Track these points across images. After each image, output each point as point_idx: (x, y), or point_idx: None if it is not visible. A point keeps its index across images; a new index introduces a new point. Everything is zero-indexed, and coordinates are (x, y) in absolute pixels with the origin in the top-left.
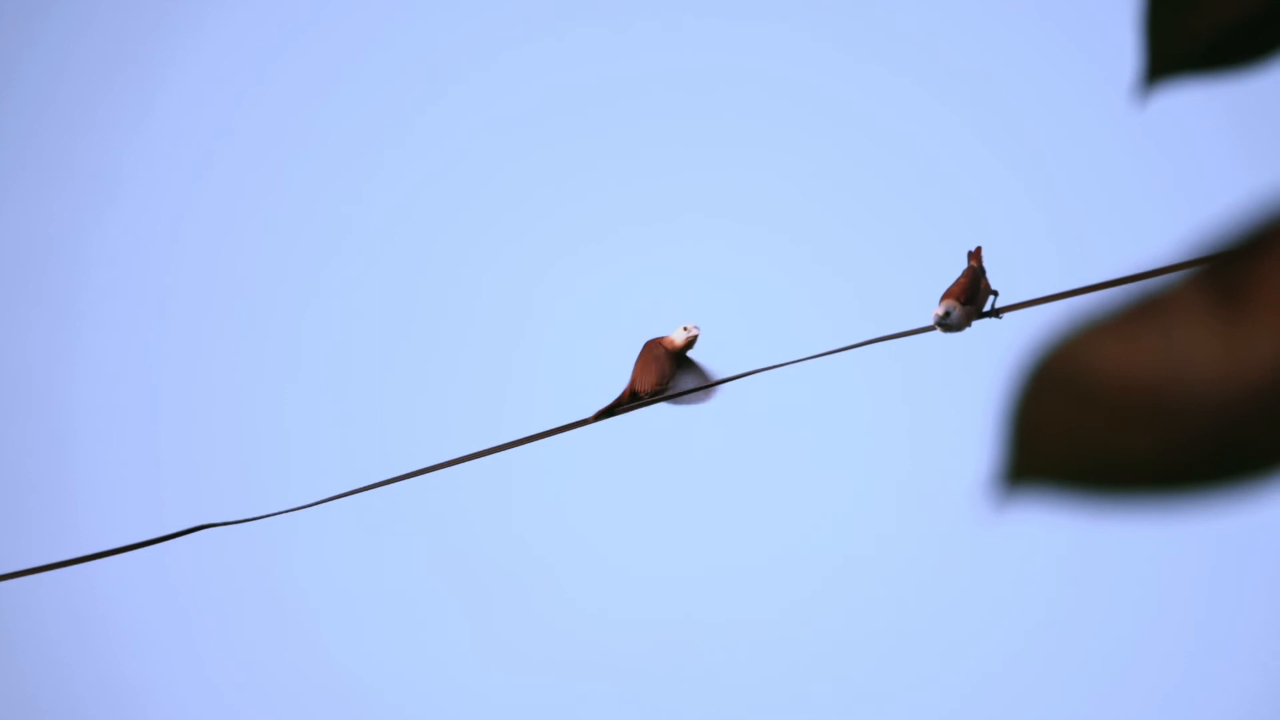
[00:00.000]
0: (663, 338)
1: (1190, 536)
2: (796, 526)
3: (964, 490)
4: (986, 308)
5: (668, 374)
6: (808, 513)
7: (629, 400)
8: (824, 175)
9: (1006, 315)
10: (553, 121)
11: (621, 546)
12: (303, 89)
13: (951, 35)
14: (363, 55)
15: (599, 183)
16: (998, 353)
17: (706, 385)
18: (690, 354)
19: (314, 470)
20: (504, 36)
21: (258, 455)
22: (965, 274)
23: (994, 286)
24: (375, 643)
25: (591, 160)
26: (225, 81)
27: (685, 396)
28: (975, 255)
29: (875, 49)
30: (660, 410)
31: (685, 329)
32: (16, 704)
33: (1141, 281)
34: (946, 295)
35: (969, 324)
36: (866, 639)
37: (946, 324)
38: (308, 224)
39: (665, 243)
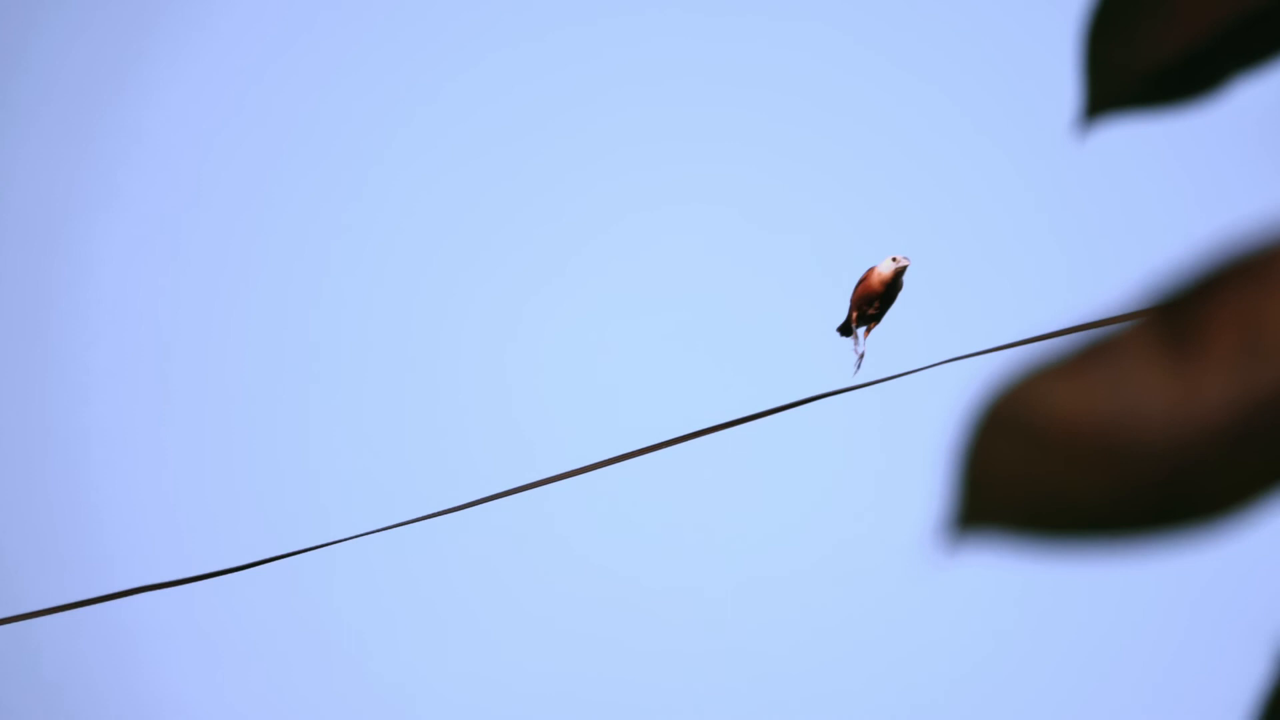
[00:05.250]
0: (871, 272)
1: (1142, 579)
2: (746, 564)
3: (916, 535)
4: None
5: (866, 303)
6: (759, 549)
7: (858, 324)
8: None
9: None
10: (544, 122)
11: (658, 554)
12: (299, 94)
13: (907, 69)
14: (356, 59)
15: (597, 182)
16: (948, 397)
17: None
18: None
19: (347, 498)
20: (492, 38)
21: (283, 485)
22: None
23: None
24: (411, 664)
25: (586, 161)
26: (221, 92)
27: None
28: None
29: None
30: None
31: (894, 259)
32: None
33: (1092, 326)
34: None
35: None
36: (821, 681)
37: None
38: (313, 228)
39: (670, 249)
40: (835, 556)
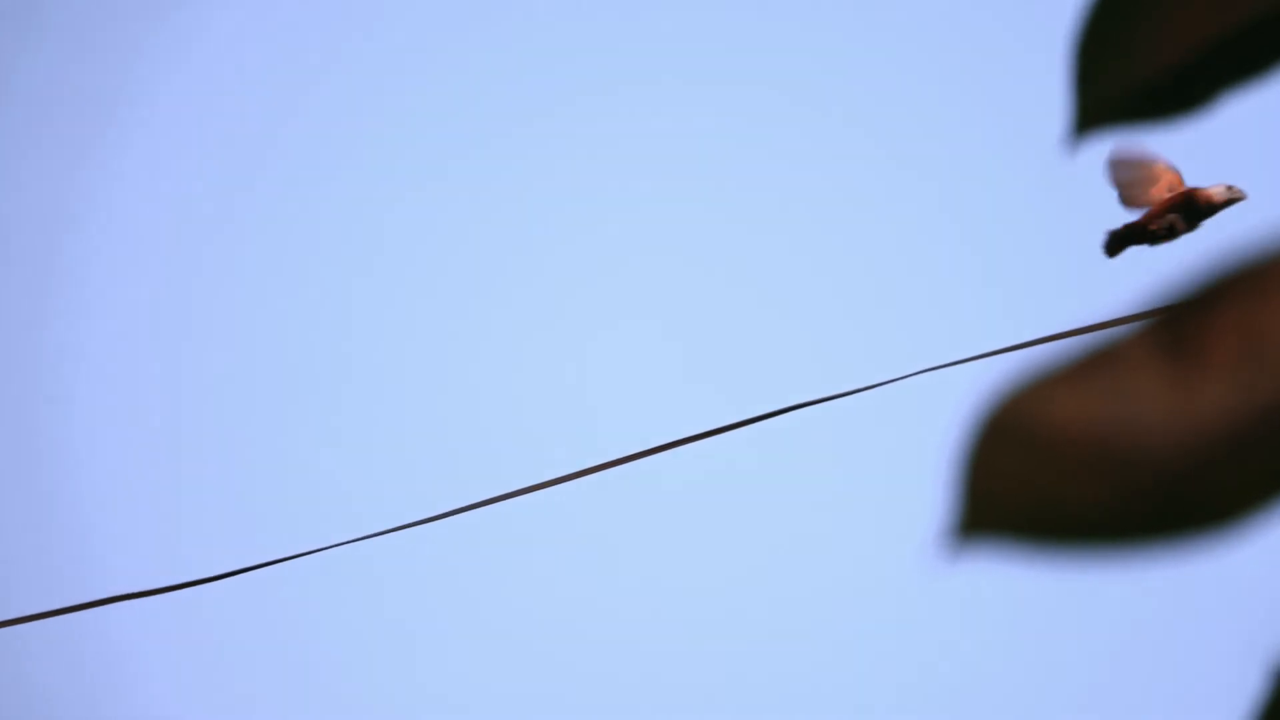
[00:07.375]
0: (1202, 188)
1: (1141, 588)
2: (743, 577)
3: (917, 543)
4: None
5: (1182, 212)
6: (749, 554)
7: (1138, 235)
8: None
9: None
10: (537, 123)
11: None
12: (302, 92)
13: (893, 80)
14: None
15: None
16: (949, 405)
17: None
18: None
19: (339, 503)
20: (463, 48)
21: (284, 489)
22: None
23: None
24: (394, 675)
25: (581, 161)
26: (224, 90)
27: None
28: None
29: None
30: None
31: (1229, 188)
32: None
33: (1094, 333)
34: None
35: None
36: (817, 690)
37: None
38: (299, 229)
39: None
40: (830, 564)
